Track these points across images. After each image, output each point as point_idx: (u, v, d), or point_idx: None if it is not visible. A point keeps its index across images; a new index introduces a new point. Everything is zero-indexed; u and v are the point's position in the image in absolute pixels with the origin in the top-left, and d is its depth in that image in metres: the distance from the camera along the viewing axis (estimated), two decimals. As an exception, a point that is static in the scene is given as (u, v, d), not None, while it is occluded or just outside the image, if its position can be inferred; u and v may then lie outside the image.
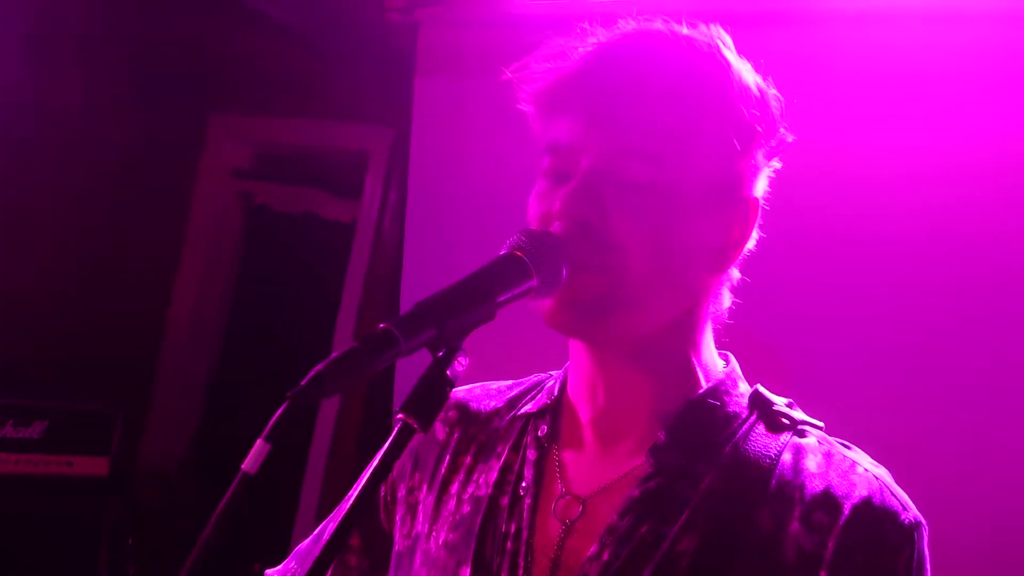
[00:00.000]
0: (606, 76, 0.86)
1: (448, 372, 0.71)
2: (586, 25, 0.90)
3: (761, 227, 0.95)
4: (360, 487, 0.67)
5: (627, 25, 0.90)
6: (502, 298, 0.76)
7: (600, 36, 0.89)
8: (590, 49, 0.88)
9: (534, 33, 0.94)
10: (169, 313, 3.25)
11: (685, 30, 0.89)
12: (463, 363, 0.72)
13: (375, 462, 0.68)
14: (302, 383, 0.62)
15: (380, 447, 0.69)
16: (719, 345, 0.96)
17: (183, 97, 3.18)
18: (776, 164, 0.93)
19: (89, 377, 2.91)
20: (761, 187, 0.92)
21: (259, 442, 0.59)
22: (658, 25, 0.89)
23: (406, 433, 0.69)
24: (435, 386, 0.70)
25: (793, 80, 0.98)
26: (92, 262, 3.03)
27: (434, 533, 0.93)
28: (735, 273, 0.94)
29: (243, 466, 0.59)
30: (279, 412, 0.61)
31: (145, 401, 3.19)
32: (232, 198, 3.36)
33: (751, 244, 0.92)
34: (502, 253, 0.80)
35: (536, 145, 0.90)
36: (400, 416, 0.69)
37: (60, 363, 2.89)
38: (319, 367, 0.63)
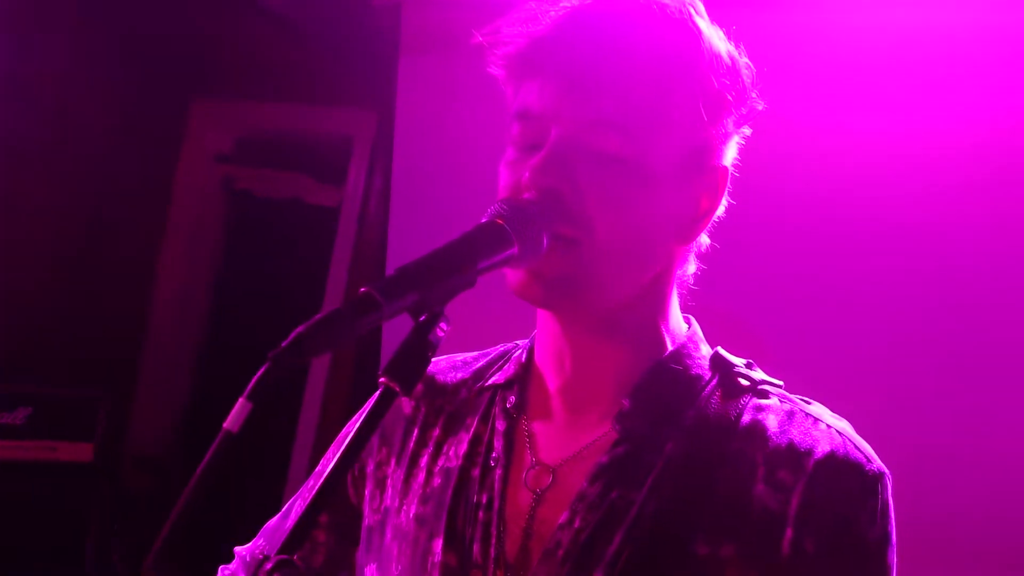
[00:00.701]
0: (579, 42, 0.85)
1: (430, 337, 0.71)
2: None
3: (746, 203, 0.95)
4: (343, 449, 0.67)
5: None
6: (483, 265, 0.77)
7: (572, 1, 0.88)
8: (562, 13, 0.87)
9: (518, 11, 0.94)
10: (154, 298, 3.24)
11: None
12: (445, 328, 0.72)
13: (356, 425, 0.68)
14: (283, 344, 0.63)
15: (376, 416, 0.69)
16: (689, 311, 0.97)
17: (166, 81, 3.16)
18: (746, 131, 0.93)
19: (74, 363, 2.89)
20: (730, 155, 0.92)
21: (241, 400, 0.60)
22: None
23: (388, 396, 0.69)
24: (417, 350, 0.70)
25: (783, 62, 0.98)
26: (76, 247, 3.01)
27: (404, 507, 0.94)
28: (704, 239, 0.94)
29: (225, 424, 0.60)
30: (260, 372, 0.61)
31: (131, 386, 3.17)
32: (215, 183, 3.34)
33: (720, 211, 0.93)
34: (483, 221, 0.80)
35: (506, 111, 0.90)
36: (382, 380, 0.69)
37: (44, 349, 2.88)
38: (300, 328, 0.63)
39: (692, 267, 0.95)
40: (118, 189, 3.09)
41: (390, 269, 2.64)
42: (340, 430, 1.05)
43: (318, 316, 0.64)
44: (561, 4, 0.88)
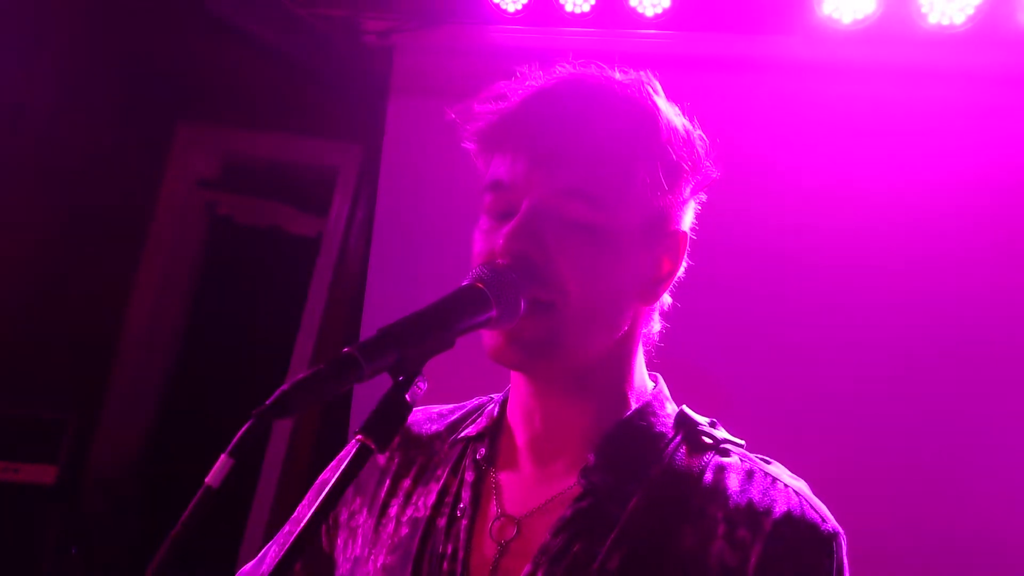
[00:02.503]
0: (547, 118, 0.91)
1: (407, 396, 0.74)
2: (524, 69, 0.95)
3: (711, 260, 0.99)
4: (319, 502, 0.69)
5: (564, 70, 0.95)
6: (462, 327, 0.80)
7: (539, 80, 0.94)
8: (530, 91, 0.92)
9: (507, 61, 0.98)
10: (126, 320, 3.22)
11: (618, 75, 0.95)
12: (422, 387, 0.75)
13: (333, 480, 0.70)
14: (267, 402, 0.65)
15: (352, 472, 0.71)
16: (655, 367, 1.01)
17: (155, 104, 3.17)
18: (702, 197, 0.99)
19: (42, 384, 2.86)
20: (688, 220, 0.98)
21: (223, 457, 0.62)
22: (593, 71, 0.95)
23: (364, 453, 0.71)
24: (394, 409, 0.73)
25: (725, 125, 1.04)
26: (52, 265, 2.99)
27: (372, 556, 0.96)
28: (666, 299, 0.99)
29: (207, 480, 0.62)
30: (243, 429, 0.63)
31: (97, 409, 3.14)
32: (197, 207, 3.34)
33: (680, 272, 0.97)
34: (464, 284, 0.83)
35: (478, 182, 0.94)
36: (359, 436, 0.71)
37: (13, 369, 2.84)
38: (283, 387, 0.66)
39: (657, 326, 0.99)
40: (99, 208, 3.08)
41: (368, 302, 2.68)
42: (303, 479, 1.06)
43: (300, 375, 0.66)
44: (528, 83, 0.94)
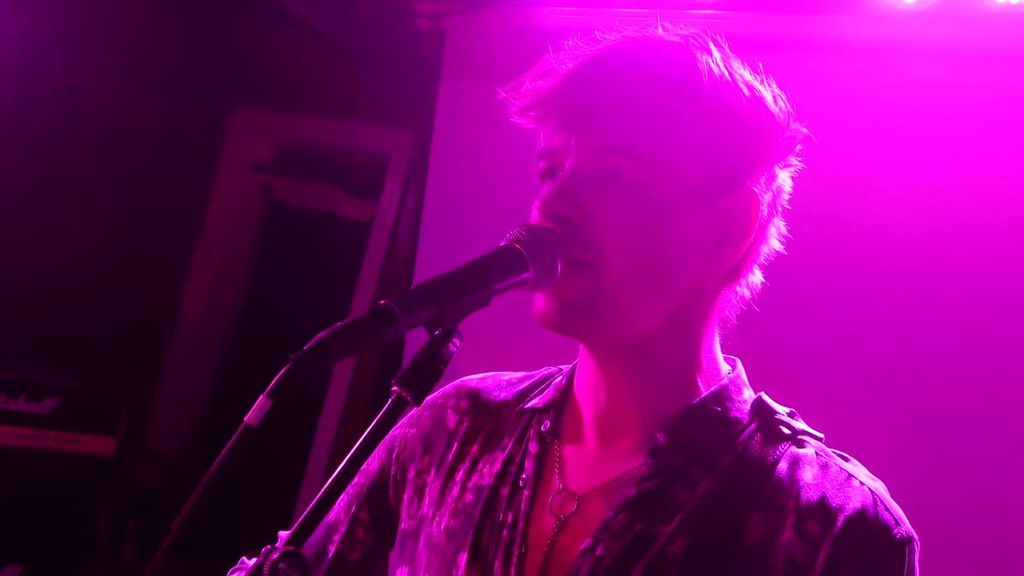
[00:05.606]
0: (584, 82, 0.89)
1: (443, 351, 0.74)
2: (571, 41, 0.93)
3: (790, 248, 0.94)
4: (352, 452, 0.70)
5: (607, 36, 0.93)
6: (498, 286, 0.80)
7: (583, 49, 0.92)
8: (576, 62, 0.91)
9: (558, 43, 0.96)
10: (183, 300, 3.30)
11: (660, 32, 0.92)
12: (457, 344, 0.75)
13: (365, 432, 0.71)
14: (305, 347, 0.66)
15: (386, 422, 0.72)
16: (731, 351, 0.97)
17: (210, 89, 3.25)
18: (795, 163, 0.94)
19: (102, 357, 2.96)
20: (767, 183, 0.92)
21: (261, 398, 0.63)
22: (634, 32, 0.92)
23: (399, 404, 0.73)
24: (429, 363, 0.74)
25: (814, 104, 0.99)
26: (112, 246, 3.09)
27: (437, 518, 0.97)
28: (755, 276, 0.94)
29: (245, 419, 0.63)
30: (281, 372, 0.65)
31: (155, 387, 3.23)
32: (251, 191, 3.41)
33: (775, 244, 0.93)
34: (501, 244, 0.84)
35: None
36: (395, 388, 0.73)
37: (76, 343, 2.94)
38: (321, 334, 0.67)
39: (734, 303, 0.94)
40: (157, 191, 3.17)
41: (416, 287, 2.71)
42: (357, 439, 1.07)
43: (340, 323, 0.67)
44: (576, 53, 0.92)
